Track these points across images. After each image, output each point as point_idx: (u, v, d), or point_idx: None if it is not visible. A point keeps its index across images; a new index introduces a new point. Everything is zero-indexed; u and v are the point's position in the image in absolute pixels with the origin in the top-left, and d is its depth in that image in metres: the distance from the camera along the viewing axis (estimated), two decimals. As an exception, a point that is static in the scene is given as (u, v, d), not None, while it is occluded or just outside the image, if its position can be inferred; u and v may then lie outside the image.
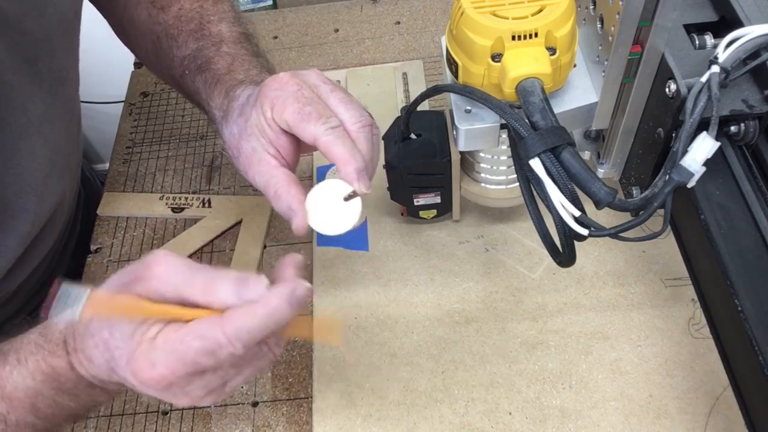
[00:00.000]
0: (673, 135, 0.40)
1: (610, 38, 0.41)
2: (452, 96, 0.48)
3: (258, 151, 0.44)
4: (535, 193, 0.42)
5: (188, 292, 0.36)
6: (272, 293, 0.36)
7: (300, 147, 0.45)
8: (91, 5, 0.61)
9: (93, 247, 0.66)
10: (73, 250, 0.70)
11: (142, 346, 0.35)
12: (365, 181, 0.41)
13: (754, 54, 0.38)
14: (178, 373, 0.36)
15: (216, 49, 0.53)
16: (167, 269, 0.36)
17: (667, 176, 0.38)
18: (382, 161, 0.56)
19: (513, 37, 0.42)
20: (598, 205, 0.38)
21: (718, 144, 0.37)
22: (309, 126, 0.41)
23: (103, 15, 0.59)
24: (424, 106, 0.56)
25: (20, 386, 0.40)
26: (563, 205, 0.39)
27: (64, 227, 0.66)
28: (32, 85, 0.51)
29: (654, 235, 0.40)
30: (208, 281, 0.36)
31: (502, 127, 0.47)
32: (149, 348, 0.35)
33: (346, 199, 0.42)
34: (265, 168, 0.44)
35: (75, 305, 0.34)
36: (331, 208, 0.42)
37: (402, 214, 0.63)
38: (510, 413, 0.52)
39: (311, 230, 0.42)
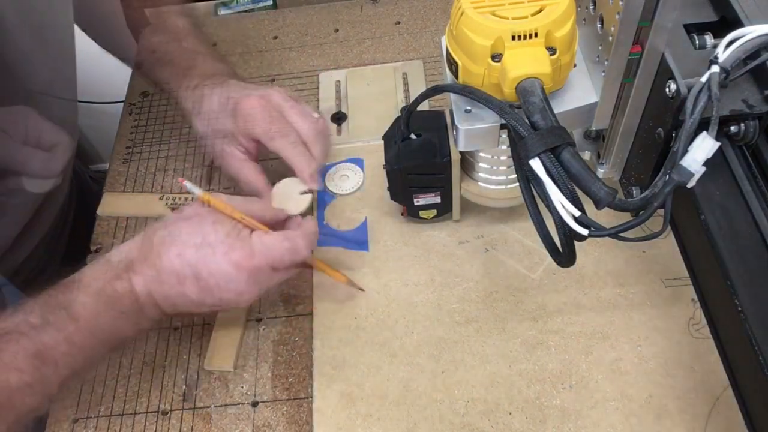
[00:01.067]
0: (673, 135, 0.40)
1: (610, 38, 0.41)
2: (452, 96, 0.48)
3: (230, 150, 0.58)
4: (535, 193, 0.42)
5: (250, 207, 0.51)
6: (309, 219, 0.53)
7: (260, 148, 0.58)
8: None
9: (93, 247, 0.66)
10: (66, 245, 0.70)
11: (239, 241, 0.47)
12: (316, 182, 0.56)
13: (754, 54, 0.38)
14: (267, 264, 0.48)
15: (178, 44, 0.63)
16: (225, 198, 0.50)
17: (667, 176, 0.38)
18: (382, 161, 0.56)
19: (513, 37, 0.42)
20: (598, 205, 0.38)
21: (718, 144, 0.37)
22: (275, 143, 0.56)
23: None
24: (424, 106, 0.56)
25: (86, 307, 0.45)
26: (563, 205, 0.39)
27: (59, 213, 0.66)
28: (40, 53, 0.52)
29: (654, 235, 0.40)
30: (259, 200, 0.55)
31: (502, 127, 0.47)
32: (246, 243, 0.48)
33: (302, 193, 0.56)
34: (236, 162, 0.58)
35: (195, 192, 0.49)
36: (289, 196, 0.56)
37: (402, 214, 0.63)
38: (510, 413, 0.52)
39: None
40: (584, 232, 0.39)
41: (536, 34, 0.41)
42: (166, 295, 0.48)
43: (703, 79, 0.37)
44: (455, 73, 0.46)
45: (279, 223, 0.53)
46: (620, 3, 0.38)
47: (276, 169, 0.69)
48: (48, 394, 0.44)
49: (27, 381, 0.42)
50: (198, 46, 0.63)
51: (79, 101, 0.64)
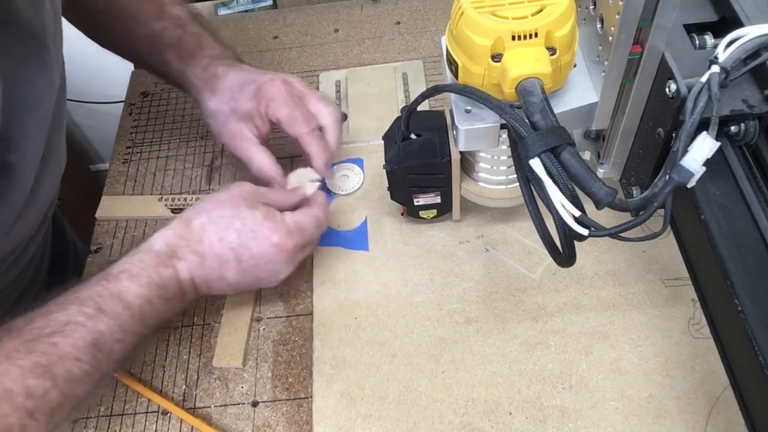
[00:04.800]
0: (673, 135, 0.40)
1: (610, 38, 0.41)
2: (452, 96, 0.48)
3: (244, 131, 0.59)
4: (535, 193, 0.42)
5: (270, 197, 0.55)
6: (318, 194, 0.58)
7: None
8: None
9: (93, 247, 0.66)
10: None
11: (276, 223, 0.51)
12: (329, 171, 0.61)
13: (754, 54, 0.38)
14: (302, 242, 0.52)
15: (183, 30, 0.63)
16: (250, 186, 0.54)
17: (667, 176, 0.38)
18: (382, 161, 0.56)
19: (513, 37, 0.42)
20: (598, 205, 0.38)
21: (718, 144, 0.37)
22: (295, 128, 0.58)
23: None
24: (424, 106, 0.56)
25: (140, 297, 0.47)
26: (563, 205, 0.39)
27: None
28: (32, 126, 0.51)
29: (654, 235, 0.40)
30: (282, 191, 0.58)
31: (502, 127, 0.47)
32: (282, 224, 0.52)
33: (311, 181, 0.60)
34: (249, 144, 0.59)
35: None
36: (300, 185, 0.59)
37: (402, 214, 0.63)
38: (510, 413, 0.52)
39: None
40: (584, 232, 0.39)
41: (536, 34, 0.41)
42: (206, 278, 0.51)
43: (703, 79, 0.37)
44: (455, 73, 0.46)
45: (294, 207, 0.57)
46: (620, 3, 0.38)
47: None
48: (100, 382, 0.46)
49: (86, 370, 0.43)
50: (202, 30, 0.64)
51: (79, 101, 0.64)
